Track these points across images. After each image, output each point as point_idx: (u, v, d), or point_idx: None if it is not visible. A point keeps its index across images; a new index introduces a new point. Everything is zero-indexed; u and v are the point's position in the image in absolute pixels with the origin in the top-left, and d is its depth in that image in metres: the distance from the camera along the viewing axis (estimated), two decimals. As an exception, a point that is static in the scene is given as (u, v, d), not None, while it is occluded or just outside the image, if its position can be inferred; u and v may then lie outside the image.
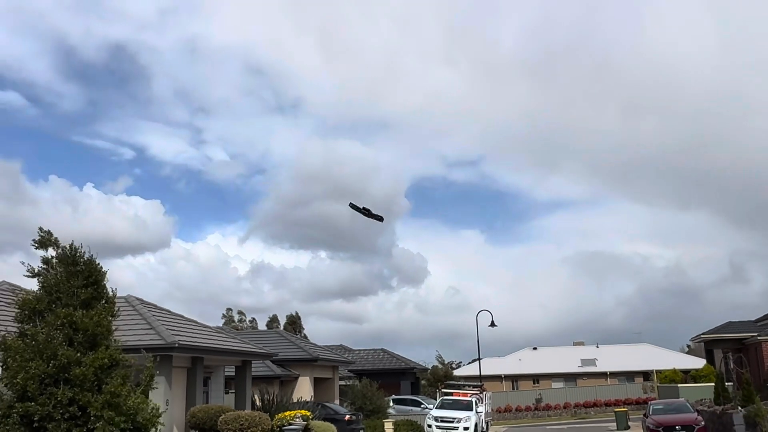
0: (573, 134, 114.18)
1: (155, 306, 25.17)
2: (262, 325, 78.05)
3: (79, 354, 11.88)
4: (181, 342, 20.45)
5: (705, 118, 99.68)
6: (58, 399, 11.50)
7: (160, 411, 12.62)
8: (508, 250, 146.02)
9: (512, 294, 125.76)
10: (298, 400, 29.89)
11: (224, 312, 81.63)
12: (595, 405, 55.66)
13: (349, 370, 47.99)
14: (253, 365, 28.74)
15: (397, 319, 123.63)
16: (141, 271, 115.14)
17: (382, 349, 56.37)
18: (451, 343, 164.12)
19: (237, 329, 66.03)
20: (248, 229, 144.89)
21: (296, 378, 35.88)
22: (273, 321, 74.67)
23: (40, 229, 12.53)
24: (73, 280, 12.59)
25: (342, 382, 43.49)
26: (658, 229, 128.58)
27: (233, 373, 27.89)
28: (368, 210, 35.06)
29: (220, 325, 68.94)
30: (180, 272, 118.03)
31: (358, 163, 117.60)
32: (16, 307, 12.58)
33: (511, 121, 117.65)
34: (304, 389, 35.31)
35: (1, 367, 12.18)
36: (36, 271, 12.67)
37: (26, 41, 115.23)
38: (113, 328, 12.54)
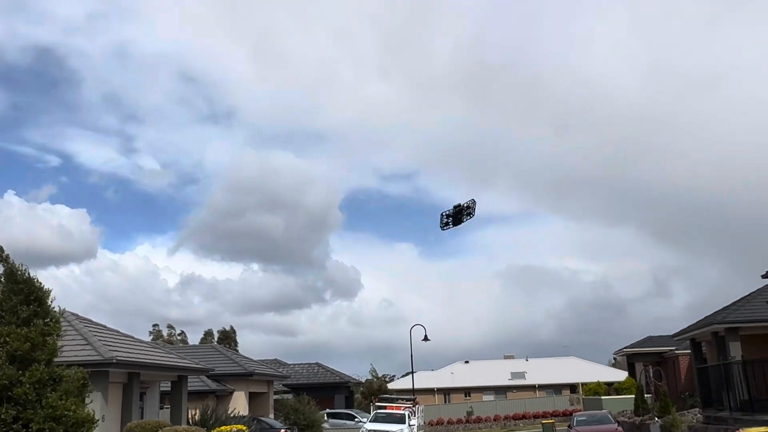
0: (506, 150, 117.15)
1: (91, 321, 25.06)
2: (192, 339, 77.18)
3: (20, 372, 12.06)
4: (118, 358, 20.54)
5: (632, 136, 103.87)
6: (2, 417, 11.70)
7: (95, 418, 12.86)
8: (442, 263, 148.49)
9: (445, 307, 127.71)
10: (234, 415, 30.09)
11: (151, 328, 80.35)
12: (524, 417, 57.22)
13: (284, 385, 48.14)
14: (188, 380, 28.81)
15: (331, 332, 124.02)
16: (65, 282, 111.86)
17: (316, 363, 56.68)
18: (386, 356, 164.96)
19: (168, 343, 65.25)
20: (178, 240, 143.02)
21: (231, 393, 35.95)
22: (207, 335, 74.05)
23: (-6, 243, 12.71)
24: (15, 297, 12.74)
25: (277, 397, 43.66)
26: (586, 244, 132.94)
27: (168, 388, 27.91)
28: (460, 207, 35.15)
29: (149, 340, 68.01)
30: (107, 284, 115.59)
31: (292, 175, 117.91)
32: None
33: (445, 136, 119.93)
34: (239, 404, 35.42)
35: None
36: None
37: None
38: (57, 345, 12.76)
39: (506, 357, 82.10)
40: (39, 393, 12.07)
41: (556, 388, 68.31)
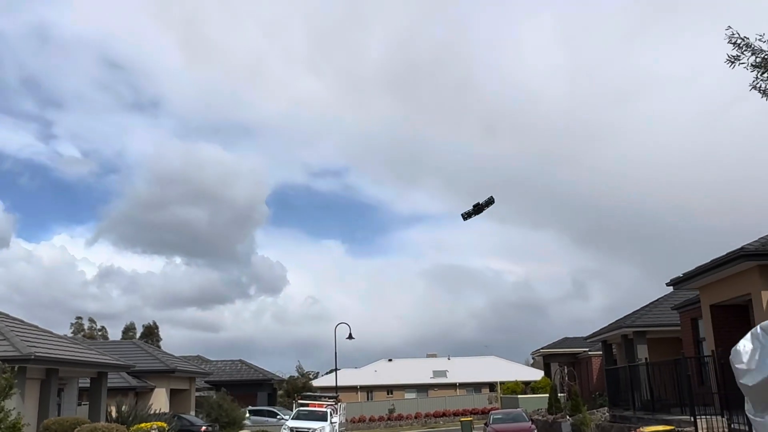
0: (433, 150, 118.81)
1: (8, 316, 24.56)
2: (113, 333, 75.42)
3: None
4: (37, 354, 20.28)
5: (555, 140, 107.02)
6: None
7: (21, 420, 12.88)
8: (368, 261, 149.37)
9: (371, 305, 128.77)
10: (154, 412, 29.89)
11: (74, 320, 78.04)
12: (444, 415, 58.37)
13: (206, 381, 47.85)
14: (108, 376, 28.48)
15: (255, 328, 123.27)
16: None
17: (240, 360, 56.46)
18: (310, 353, 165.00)
19: (89, 338, 63.76)
20: (97, 230, 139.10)
21: (152, 389, 35.64)
22: (129, 329, 72.59)
23: None
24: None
25: (199, 394, 43.41)
26: (509, 245, 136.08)
27: (87, 384, 27.57)
28: (479, 205, 35.11)
29: (69, 333, 66.28)
30: (20, 275, 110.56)
31: (218, 168, 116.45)
32: None
33: (374, 134, 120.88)
34: (160, 400, 35.14)
35: None
36: None
37: None
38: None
39: (429, 355, 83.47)
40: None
41: (477, 387, 69.94)
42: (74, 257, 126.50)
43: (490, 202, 36.75)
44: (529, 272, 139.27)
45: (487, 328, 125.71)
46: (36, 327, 25.32)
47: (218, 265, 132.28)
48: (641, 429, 17.16)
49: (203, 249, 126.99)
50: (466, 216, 37.41)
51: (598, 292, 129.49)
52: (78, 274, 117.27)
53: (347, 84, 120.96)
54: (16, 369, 13.67)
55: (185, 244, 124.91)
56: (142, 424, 23.01)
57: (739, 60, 11.61)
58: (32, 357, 19.92)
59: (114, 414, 26.89)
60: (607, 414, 27.94)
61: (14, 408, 13.35)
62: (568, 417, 30.58)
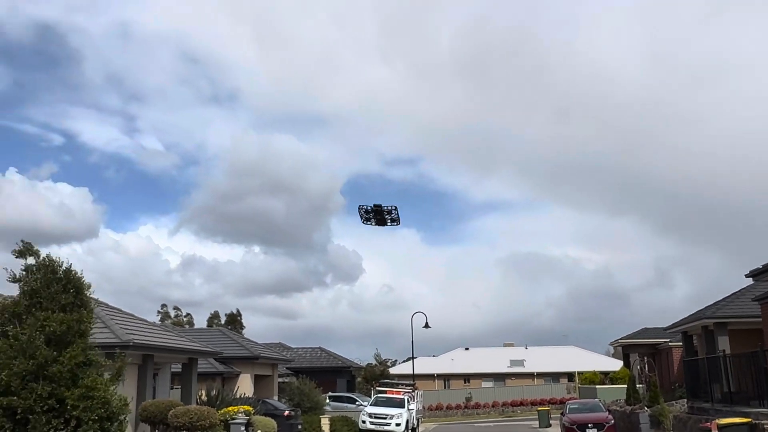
0: (507, 137, 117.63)
1: (107, 305, 26.24)
2: (197, 320, 78.63)
3: (55, 353, 13.27)
4: (135, 341, 21.73)
5: (633, 126, 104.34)
6: (38, 393, 12.91)
7: (128, 400, 14.15)
8: (444, 249, 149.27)
9: (446, 293, 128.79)
10: (240, 396, 31.37)
11: (159, 308, 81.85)
12: (521, 404, 58.50)
13: (287, 368, 49.47)
14: (198, 362, 30.06)
15: (332, 316, 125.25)
16: (67, 261, 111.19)
17: (319, 348, 58.01)
18: (386, 341, 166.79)
19: (177, 325, 66.69)
20: (179, 221, 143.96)
21: (238, 375, 37.24)
22: (214, 317, 75.63)
23: (22, 241, 13.95)
24: (53, 286, 13.95)
25: (281, 379, 45.00)
26: (588, 233, 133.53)
27: (178, 369, 29.20)
28: (380, 208, 35.84)
29: (157, 320, 69.50)
30: (109, 263, 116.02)
31: (293, 158, 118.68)
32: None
33: (447, 122, 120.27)
34: (245, 385, 36.71)
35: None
36: (17, 277, 14.03)
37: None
38: (90, 331, 14.01)
39: (506, 344, 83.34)
40: (74, 373, 13.24)
41: (554, 377, 69.53)
42: (158, 246, 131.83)
43: (392, 214, 36.35)
44: (609, 260, 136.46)
45: (565, 317, 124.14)
46: (132, 315, 27.01)
47: (295, 254, 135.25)
48: (716, 421, 17.26)
49: (281, 238, 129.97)
50: (365, 218, 37.12)
51: (681, 281, 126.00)
52: (162, 263, 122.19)
53: (419, 71, 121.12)
54: (126, 356, 14.96)
55: (263, 234, 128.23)
56: (230, 408, 24.35)
57: None
58: (131, 344, 21.35)
59: (204, 397, 28.41)
60: (686, 405, 27.77)
61: (120, 390, 14.69)
62: (646, 408, 30.46)
